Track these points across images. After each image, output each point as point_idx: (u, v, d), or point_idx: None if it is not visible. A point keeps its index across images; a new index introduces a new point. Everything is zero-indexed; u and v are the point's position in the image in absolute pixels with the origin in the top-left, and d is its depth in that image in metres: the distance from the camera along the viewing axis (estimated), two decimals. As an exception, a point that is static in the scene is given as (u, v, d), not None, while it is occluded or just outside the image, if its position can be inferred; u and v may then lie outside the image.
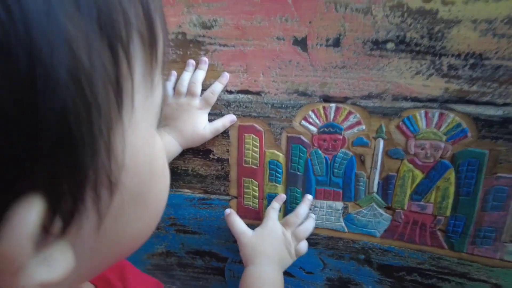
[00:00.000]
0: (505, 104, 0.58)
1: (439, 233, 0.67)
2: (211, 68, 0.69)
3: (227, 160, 0.74)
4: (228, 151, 0.73)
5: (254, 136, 0.71)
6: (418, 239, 0.69)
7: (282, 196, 0.73)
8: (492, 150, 0.60)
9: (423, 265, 0.70)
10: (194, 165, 0.76)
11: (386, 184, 0.68)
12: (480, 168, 0.61)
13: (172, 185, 0.79)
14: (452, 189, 0.64)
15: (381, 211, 0.69)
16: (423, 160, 0.64)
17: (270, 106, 0.68)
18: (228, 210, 0.74)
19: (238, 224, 0.71)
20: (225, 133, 0.72)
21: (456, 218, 0.65)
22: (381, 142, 0.66)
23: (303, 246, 0.69)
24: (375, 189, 0.68)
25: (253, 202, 0.76)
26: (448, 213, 0.65)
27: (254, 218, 0.76)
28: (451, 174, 0.63)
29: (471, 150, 0.61)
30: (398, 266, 0.71)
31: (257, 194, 0.75)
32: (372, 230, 0.71)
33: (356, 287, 0.76)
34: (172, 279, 0.87)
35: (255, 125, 0.70)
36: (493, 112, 0.59)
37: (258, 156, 0.72)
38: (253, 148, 0.72)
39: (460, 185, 0.63)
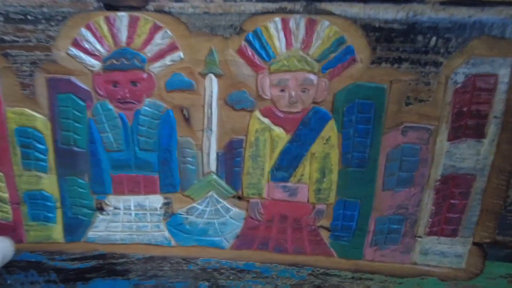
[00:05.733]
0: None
1: (322, 233, 0.41)
2: None
3: None
4: None
5: (-23, 81, 0.37)
6: (291, 245, 0.41)
7: None
8: (394, 82, 0.35)
9: (301, 288, 0.44)
10: None
11: (230, 157, 0.39)
12: (377, 116, 0.36)
13: None
14: (335, 156, 0.37)
15: (227, 204, 0.40)
16: (285, 110, 0.37)
17: (1, 19, 0.35)
18: None
19: None
20: None
21: (346, 205, 0.39)
22: (215, 82, 0.36)
23: None
24: (212, 166, 0.39)
25: (1, 211, 0.41)
26: (332, 198, 0.39)
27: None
28: (331, 130, 0.37)
29: (361, 85, 0.35)
30: (264, 294, 0.44)
31: (5, 195, 0.40)
32: (216, 239, 0.42)
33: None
34: None
35: (-22, 59, 0.36)
36: (392, 15, 0.33)
37: (-8, 121, 0.38)
38: (-20, 105, 0.38)
39: (348, 148, 0.37)
